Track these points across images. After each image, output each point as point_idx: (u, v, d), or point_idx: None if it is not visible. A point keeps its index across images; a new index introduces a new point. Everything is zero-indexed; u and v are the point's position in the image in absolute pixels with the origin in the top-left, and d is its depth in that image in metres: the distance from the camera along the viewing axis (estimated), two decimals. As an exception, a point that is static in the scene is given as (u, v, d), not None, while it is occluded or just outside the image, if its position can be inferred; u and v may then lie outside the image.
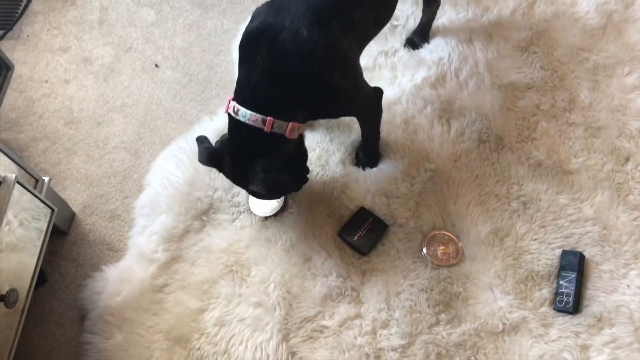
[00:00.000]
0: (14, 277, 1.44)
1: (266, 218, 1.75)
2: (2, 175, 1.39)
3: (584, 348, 1.54)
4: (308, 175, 1.68)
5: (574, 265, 1.62)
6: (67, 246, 1.78)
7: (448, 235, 1.70)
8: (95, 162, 1.93)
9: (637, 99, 1.90)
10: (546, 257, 1.67)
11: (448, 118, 1.88)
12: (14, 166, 1.54)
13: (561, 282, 1.61)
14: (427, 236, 1.70)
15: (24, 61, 2.15)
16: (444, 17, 2.09)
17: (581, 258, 1.64)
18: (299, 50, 1.32)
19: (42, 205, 1.57)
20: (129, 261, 1.72)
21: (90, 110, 2.04)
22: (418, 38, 2.04)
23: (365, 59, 2.00)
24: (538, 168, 1.80)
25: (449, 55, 1.99)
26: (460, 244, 1.69)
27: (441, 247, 1.68)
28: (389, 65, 2.01)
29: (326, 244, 1.70)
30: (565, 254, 1.65)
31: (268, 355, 1.55)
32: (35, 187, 1.62)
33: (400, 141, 1.85)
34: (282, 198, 1.75)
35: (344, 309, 1.61)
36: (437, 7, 1.98)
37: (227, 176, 1.54)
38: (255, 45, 1.36)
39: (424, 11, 1.99)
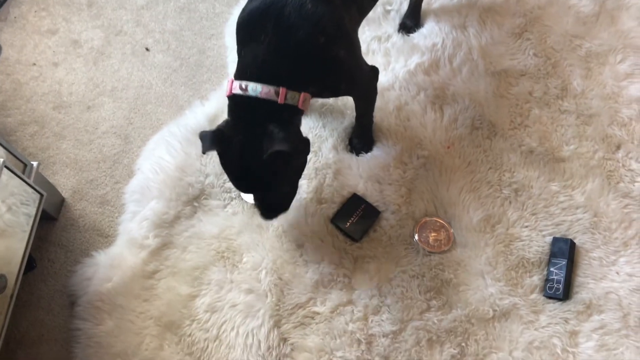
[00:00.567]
0: (2, 262, 1.43)
1: (258, 204, 1.74)
2: (-10, 159, 1.38)
3: (573, 334, 1.56)
4: None
5: (565, 252, 1.63)
6: (56, 232, 1.76)
7: (440, 222, 1.70)
8: (85, 146, 1.91)
9: (629, 87, 1.90)
10: (537, 244, 1.68)
11: (441, 104, 1.88)
12: (1, 150, 1.52)
13: (551, 269, 1.62)
14: (419, 223, 1.70)
15: (11, 43, 2.10)
16: (438, 1, 2.07)
17: (572, 245, 1.65)
18: (306, 22, 1.32)
19: (30, 190, 1.55)
20: (119, 247, 1.71)
21: (80, 94, 2.01)
22: (410, 21, 2.02)
23: (358, 45, 1.98)
24: (530, 155, 1.80)
25: (443, 41, 1.98)
26: (451, 231, 1.69)
27: (433, 234, 1.69)
28: (382, 51, 2.00)
29: (318, 230, 1.70)
30: (556, 241, 1.66)
31: (259, 342, 1.55)
32: (23, 172, 1.60)
33: (393, 128, 1.84)
34: None
35: (335, 295, 1.61)
36: None
37: (232, 160, 1.41)
38: (259, 23, 1.34)
39: None
